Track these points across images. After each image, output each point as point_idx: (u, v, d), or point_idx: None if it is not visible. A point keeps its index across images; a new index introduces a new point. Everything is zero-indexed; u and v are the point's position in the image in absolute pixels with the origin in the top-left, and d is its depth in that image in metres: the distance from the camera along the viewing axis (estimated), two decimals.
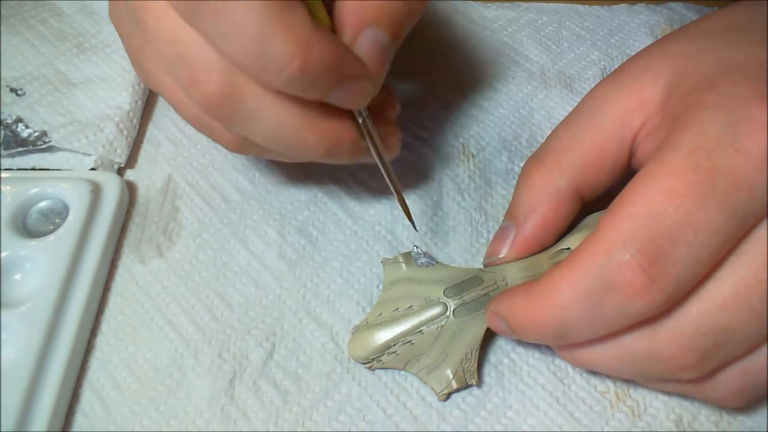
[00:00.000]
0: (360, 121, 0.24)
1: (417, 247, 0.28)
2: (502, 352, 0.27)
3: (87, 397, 0.26)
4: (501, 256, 0.26)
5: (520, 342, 0.27)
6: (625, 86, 0.24)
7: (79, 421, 0.26)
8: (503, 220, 0.27)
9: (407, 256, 0.28)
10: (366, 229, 0.30)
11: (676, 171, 0.20)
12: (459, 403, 0.26)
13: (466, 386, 0.26)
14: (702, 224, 0.19)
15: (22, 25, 0.36)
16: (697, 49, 0.23)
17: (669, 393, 0.26)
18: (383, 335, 0.26)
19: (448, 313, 0.25)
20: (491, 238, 0.27)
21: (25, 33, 0.36)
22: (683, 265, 0.20)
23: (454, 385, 0.25)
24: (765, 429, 0.25)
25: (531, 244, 0.26)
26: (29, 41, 0.36)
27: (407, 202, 0.31)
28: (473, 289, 0.26)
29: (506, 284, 0.26)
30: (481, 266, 0.28)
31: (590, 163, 0.25)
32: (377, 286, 0.29)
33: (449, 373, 0.25)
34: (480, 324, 0.25)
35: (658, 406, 0.26)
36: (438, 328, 0.25)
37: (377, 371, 0.27)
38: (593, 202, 0.26)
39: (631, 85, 0.24)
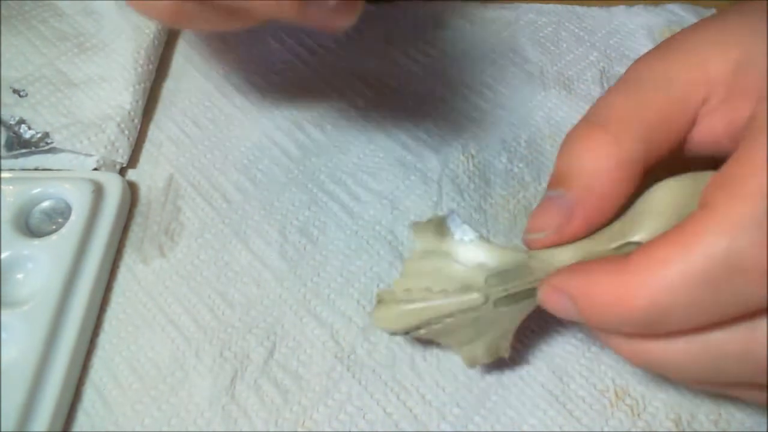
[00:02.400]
0: None
1: (455, 213, 0.23)
2: None
3: (89, 396, 0.26)
4: (551, 233, 0.22)
5: (520, 341, 0.27)
6: (691, 58, 0.23)
7: (81, 420, 0.26)
8: (549, 191, 0.23)
9: (440, 224, 0.23)
10: (366, 229, 0.31)
11: None
12: (459, 402, 0.26)
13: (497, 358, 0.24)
14: None
15: (23, 25, 0.37)
16: (760, 26, 0.22)
17: (668, 391, 0.26)
18: (413, 316, 0.23)
19: (488, 304, 0.22)
20: (533, 213, 0.23)
21: (26, 33, 0.36)
22: None
23: (485, 360, 0.23)
24: (765, 429, 0.25)
25: (594, 221, 0.22)
26: (30, 41, 0.36)
27: (407, 201, 0.31)
28: (520, 279, 0.22)
29: None
30: (525, 248, 0.23)
31: (658, 134, 0.22)
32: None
33: (482, 349, 0.23)
34: (523, 309, 0.22)
35: (658, 405, 0.26)
36: (476, 317, 0.22)
37: (376, 370, 0.27)
38: None
39: (696, 58, 0.23)
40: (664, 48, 0.24)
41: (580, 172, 0.22)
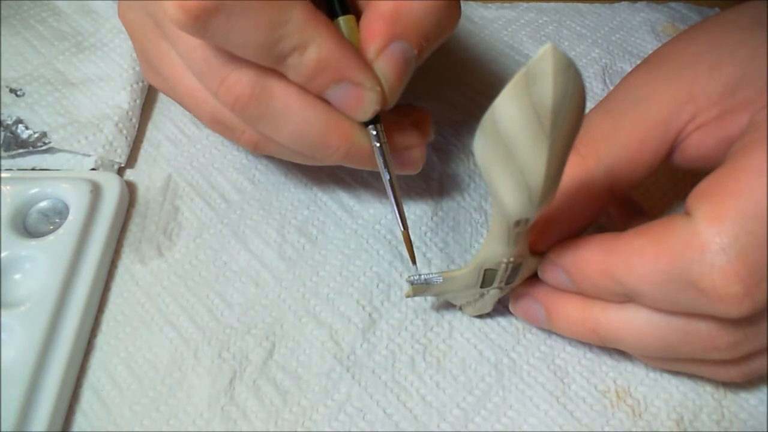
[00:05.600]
0: (369, 128, 0.24)
1: (416, 275, 0.25)
2: (502, 351, 0.27)
3: (87, 397, 0.26)
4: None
5: (520, 341, 0.27)
6: (674, 76, 0.23)
7: (79, 421, 0.26)
8: None
9: (420, 284, 0.26)
10: (366, 228, 0.30)
11: None
12: (459, 403, 0.26)
13: None
14: None
15: (21, 25, 0.37)
16: (757, 41, 0.22)
17: (671, 391, 0.26)
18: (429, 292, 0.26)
19: (493, 290, 0.25)
20: None
21: (24, 33, 0.36)
22: None
23: (485, 311, 0.27)
24: (767, 429, 0.25)
25: (557, 236, 0.24)
26: (28, 41, 0.36)
27: (408, 200, 0.31)
28: (500, 273, 0.24)
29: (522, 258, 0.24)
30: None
31: (629, 156, 0.23)
32: (377, 285, 0.29)
33: (481, 304, 0.27)
34: (521, 276, 0.25)
35: (659, 405, 0.26)
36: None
37: (376, 371, 0.27)
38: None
39: (680, 76, 0.23)
40: (650, 64, 0.24)
41: None
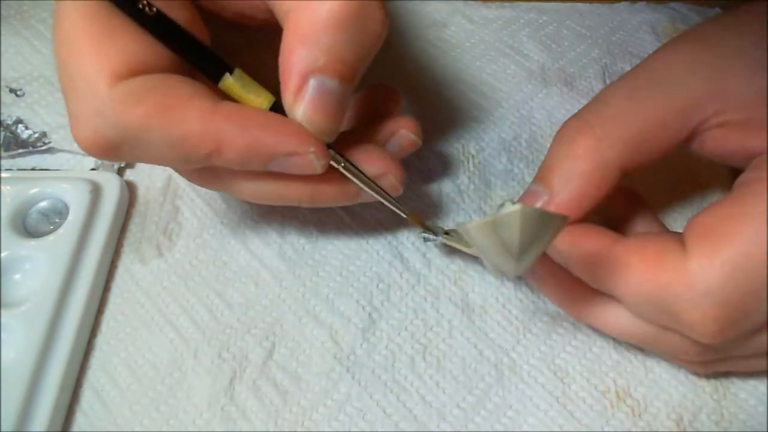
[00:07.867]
0: (340, 167, 0.23)
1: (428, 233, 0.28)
2: (502, 351, 0.27)
3: (87, 397, 0.26)
4: None
5: (520, 341, 0.27)
6: (708, 67, 0.22)
7: (79, 421, 0.26)
8: (533, 183, 0.24)
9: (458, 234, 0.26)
10: (366, 228, 0.30)
11: None
12: (459, 403, 0.26)
13: None
14: None
15: (21, 25, 0.36)
16: None
17: (670, 391, 0.26)
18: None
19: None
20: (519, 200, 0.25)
21: (24, 33, 0.36)
22: (757, 319, 0.20)
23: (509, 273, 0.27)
24: (766, 429, 0.25)
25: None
26: (28, 41, 0.36)
27: (408, 201, 0.31)
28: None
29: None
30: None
31: (646, 139, 0.22)
32: (377, 285, 0.29)
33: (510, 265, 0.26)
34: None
35: (659, 406, 0.26)
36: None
37: (376, 371, 0.27)
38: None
39: (714, 68, 0.22)
40: (683, 43, 0.23)
41: (558, 172, 0.23)
